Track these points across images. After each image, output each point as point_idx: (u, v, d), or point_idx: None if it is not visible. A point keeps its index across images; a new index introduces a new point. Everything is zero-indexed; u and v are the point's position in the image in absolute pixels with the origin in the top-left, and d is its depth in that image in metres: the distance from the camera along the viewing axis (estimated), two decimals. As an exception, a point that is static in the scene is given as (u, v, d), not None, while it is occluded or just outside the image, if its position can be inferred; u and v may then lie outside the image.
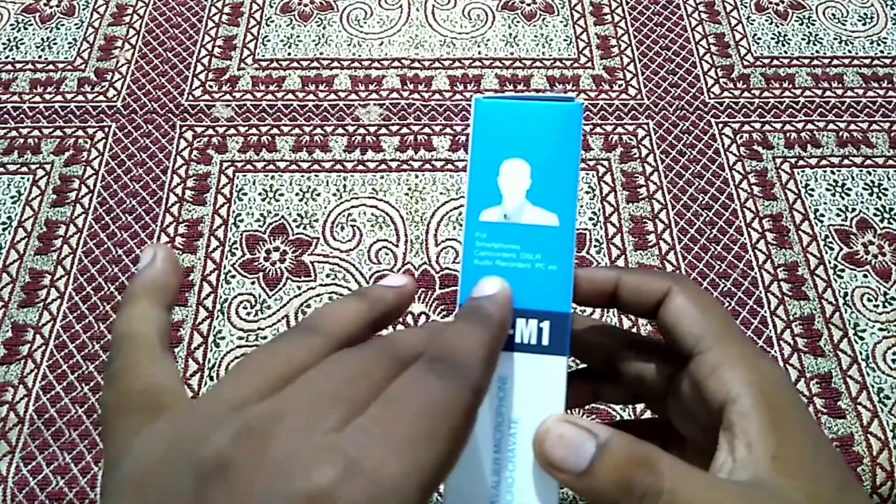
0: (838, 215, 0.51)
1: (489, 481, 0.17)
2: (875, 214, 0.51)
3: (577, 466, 0.15)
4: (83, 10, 0.62)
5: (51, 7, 0.62)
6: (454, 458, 0.14)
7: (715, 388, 0.17)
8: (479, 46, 0.60)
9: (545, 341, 0.17)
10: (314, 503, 0.12)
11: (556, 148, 0.19)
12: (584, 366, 0.23)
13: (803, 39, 0.61)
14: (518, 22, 0.62)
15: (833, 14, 0.63)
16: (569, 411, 0.18)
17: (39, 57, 0.59)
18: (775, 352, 0.45)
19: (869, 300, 0.47)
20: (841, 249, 0.49)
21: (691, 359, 0.19)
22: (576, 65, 0.59)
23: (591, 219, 0.50)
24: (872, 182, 0.53)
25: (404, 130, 0.54)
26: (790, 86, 0.58)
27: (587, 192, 0.52)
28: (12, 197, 0.51)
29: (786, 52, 0.60)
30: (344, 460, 0.12)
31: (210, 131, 0.54)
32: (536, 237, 0.18)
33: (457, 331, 0.16)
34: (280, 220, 0.50)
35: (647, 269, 0.20)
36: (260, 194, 0.51)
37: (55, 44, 0.60)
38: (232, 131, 0.54)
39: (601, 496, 0.15)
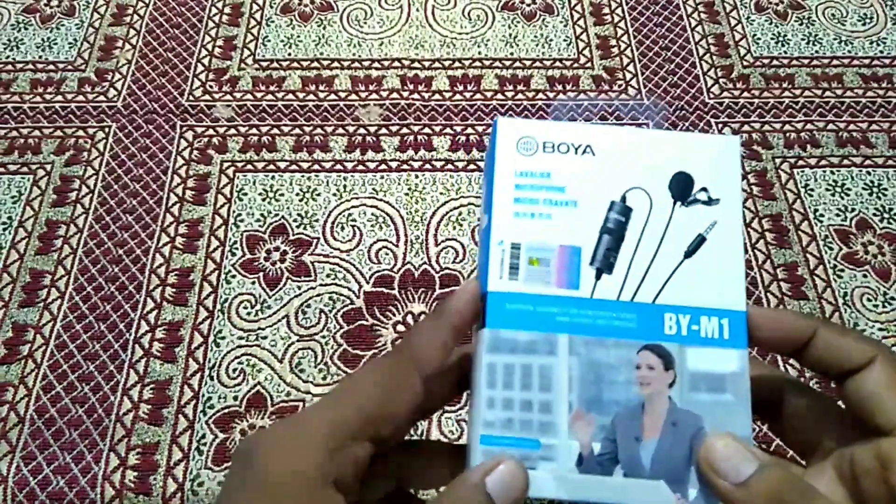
0: (838, 215, 0.51)
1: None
2: (875, 214, 0.51)
3: (735, 478, 0.17)
4: (83, 10, 0.62)
5: (51, 7, 0.62)
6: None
7: None
8: (479, 47, 0.60)
9: (480, 318, 0.21)
10: None
11: (489, 162, 0.21)
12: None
13: (803, 39, 0.61)
14: (518, 22, 0.62)
15: (833, 14, 0.63)
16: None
17: (40, 57, 0.59)
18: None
19: (868, 300, 0.47)
20: (840, 249, 0.49)
21: (885, 437, 0.18)
22: (576, 65, 0.59)
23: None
24: (872, 182, 0.53)
25: (404, 130, 0.55)
26: (790, 86, 0.58)
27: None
28: (13, 197, 0.51)
29: (785, 53, 0.60)
30: None
31: (210, 131, 0.55)
32: (482, 236, 0.21)
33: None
34: (280, 219, 0.50)
35: (848, 330, 0.20)
36: (260, 194, 0.51)
37: (55, 44, 0.60)
38: (232, 131, 0.55)
39: None
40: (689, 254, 0.20)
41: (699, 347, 0.19)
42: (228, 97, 0.56)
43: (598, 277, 0.20)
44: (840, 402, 0.20)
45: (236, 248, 0.49)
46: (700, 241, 0.20)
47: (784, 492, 0.17)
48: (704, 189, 0.21)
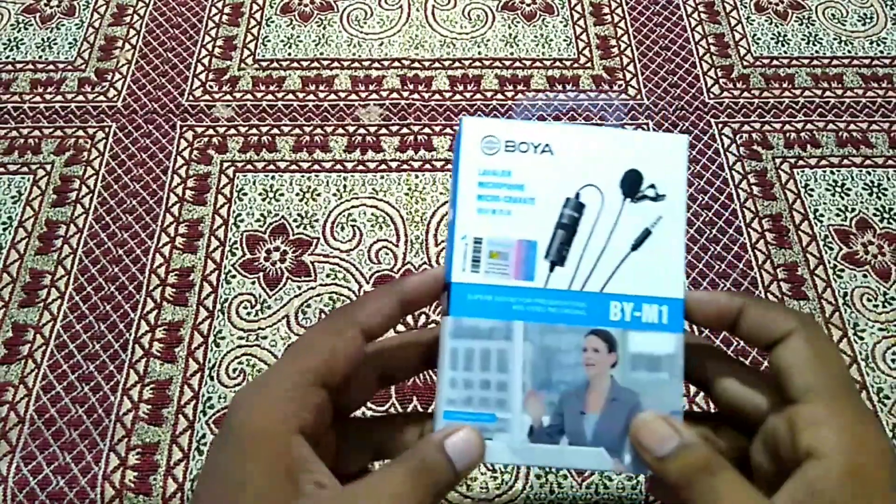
0: (838, 215, 0.51)
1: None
2: (875, 214, 0.51)
3: (657, 452, 0.19)
4: (83, 10, 0.62)
5: (51, 7, 0.62)
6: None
7: (808, 443, 0.18)
8: (479, 47, 0.60)
9: (444, 305, 0.22)
10: None
11: (455, 159, 0.23)
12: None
13: (803, 39, 0.61)
14: (518, 22, 0.62)
15: (833, 14, 0.63)
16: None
17: (40, 57, 0.59)
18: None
19: (868, 300, 0.47)
20: (840, 249, 0.49)
21: (795, 404, 0.19)
22: (576, 65, 0.59)
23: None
24: (872, 182, 0.53)
25: (404, 131, 0.55)
26: (790, 86, 0.58)
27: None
28: (13, 197, 0.51)
29: (785, 53, 0.60)
30: None
31: (210, 131, 0.55)
32: (449, 230, 0.23)
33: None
34: (280, 220, 0.50)
35: (773, 304, 0.22)
36: (260, 194, 0.51)
37: (55, 44, 0.60)
38: (232, 131, 0.55)
39: (670, 483, 0.19)
40: (635, 247, 0.22)
41: (640, 332, 0.22)
42: (228, 97, 0.56)
43: (551, 269, 0.22)
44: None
45: (236, 248, 0.49)
46: (646, 234, 0.22)
47: (695, 469, 0.18)
48: (652, 186, 0.22)
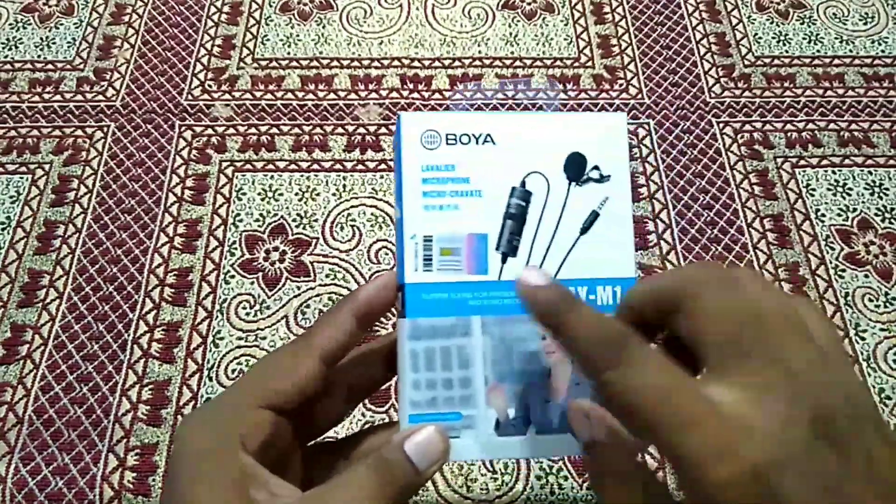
0: (839, 215, 0.51)
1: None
2: (876, 214, 0.51)
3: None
4: (82, 9, 0.62)
5: (50, 6, 0.62)
6: None
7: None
8: (479, 45, 0.60)
9: (399, 307, 0.22)
10: None
11: (397, 156, 0.22)
12: None
13: (804, 39, 0.61)
14: (518, 21, 0.62)
15: (834, 13, 0.63)
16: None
17: (38, 56, 0.59)
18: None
19: (870, 300, 0.47)
20: (842, 249, 0.49)
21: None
22: (576, 64, 0.59)
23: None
24: (874, 182, 0.52)
25: (404, 130, 0.54)
26: (791, 85, 0.58)
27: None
28: (11, 197, 0.51)
29: (787, 52, 0.60)
30: None
31: (209, 131, 0.54)
32: (397, 228, 0.22)
33: None
34: (279, 219, 0.50)
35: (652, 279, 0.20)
36: (259, 194, 0.51)
37: (54, 43, 0.60)
38: (231, 131, 0.54)
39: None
40: (584, 230, 0.22)
41: None
42: (227, 96, 0.56)
43: (503, 261, 0.22)
44: None
45: (235, 248, 0.48)
46: (594, 217, 0.22)
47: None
48: (596, 167, 0.22)
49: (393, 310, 0.22)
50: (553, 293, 0.18)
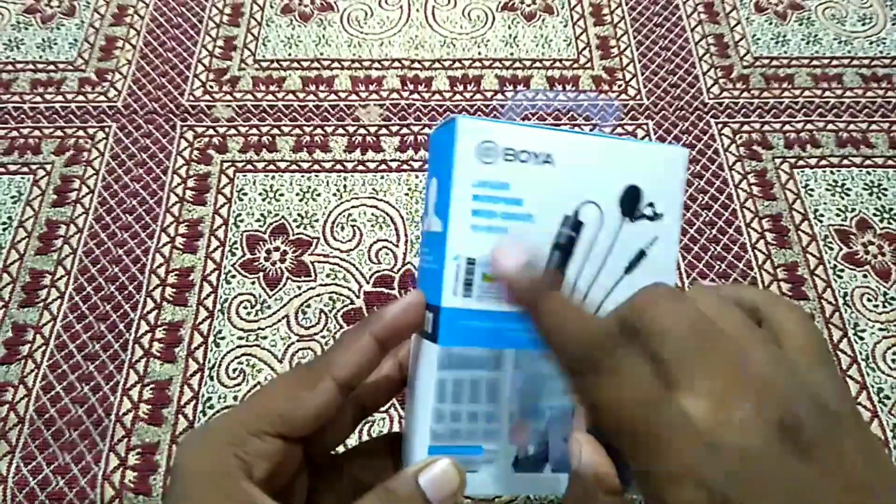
0: (838, 215, 0.51)
1: (404, 445, 0.22)
2: (875, 214, 0.51)
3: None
4: (84, 10, 0.62)
5: (52, 7, 0.62)
6: None
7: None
8: (479, 47, 0.60)
9: (429, 329, 0.20)
10: None
11: (444, 163, 0.21)
12: None
13: (803, 40, 0.61)
14: (518, 22, 0.62)
15: (832, 14, 0.63)
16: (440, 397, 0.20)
17: (40, 57, 0.59)
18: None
19: (869, 300, 0.47)
20: (841, 249, 0.49)
21: None
22: (575, 65, 0.59)
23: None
24: (872, 182, 0.53)
25: (404, 131, 0.55)
26: (790, 86, 0.58)
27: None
28: (13, 197, 0.51)
29: (785, 53, 0.60)
30: None
31: (210, 131, 0.55)
32: (433, 242, 0.21)
33: None
34: (280, 220, 0.50)
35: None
36: (260, 194, 0.51)
37: (56, 44, 0.60)
38: (232, 131, 0.55)
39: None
40: (629, 269, 0.21)
41: None
42: (228, 97, 0.56)
43: None
44: None
45: (236, 248, 0.49)
46: (640, 256, 0.21)
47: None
48: (651, 204, 0.21)
49: None
50: (524, 280, 0.17)
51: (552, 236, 0.20)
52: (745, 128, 0.56)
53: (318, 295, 0.47)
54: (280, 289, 0.47)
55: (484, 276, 0.20)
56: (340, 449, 0.24)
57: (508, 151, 0.20)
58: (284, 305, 0.46)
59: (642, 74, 0.58)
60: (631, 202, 0.21)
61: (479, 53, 0.60)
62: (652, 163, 0.21)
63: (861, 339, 0.45)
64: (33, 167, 0.52)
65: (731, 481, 0.14)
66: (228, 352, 0.44)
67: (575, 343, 0.16)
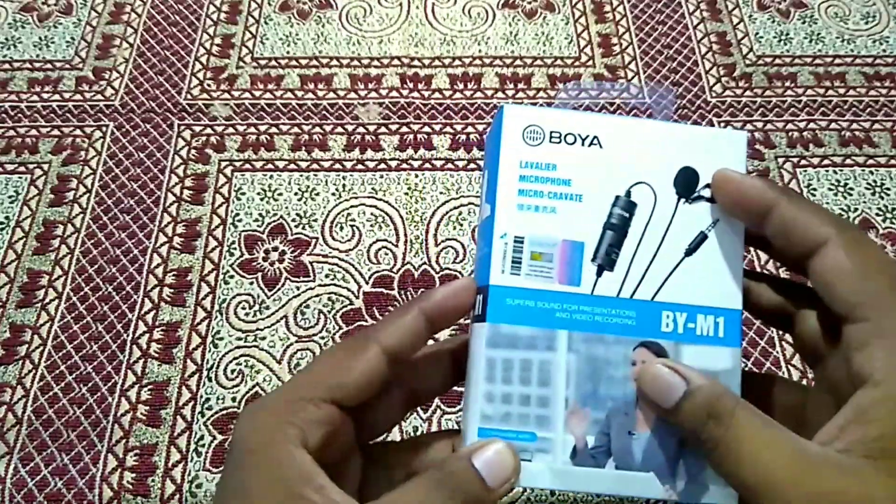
0: (841, 215, 0.51)
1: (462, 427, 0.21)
2: (878, 214, 0.51)
3: (666, 403, 0.18)
4: (81, 8, 0.62)
5: (48, 6, 0.62)
6: None
7: (859, 368, 0.16)
8: (479, 44, 0.60)
9: (479, 311, 0.20)
10: None
11: (493, 150, 0.21)
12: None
13: (805, 38, 0.61)
14: (519, 20, 0.61)
15: (835, 13, 0.62)
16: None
17: (37, 56, 0.59)
18: (777, 353, 0.45)
19: (871, 301, 0.47)
20: (843, 250, 0.49)
21: (844, 324, 0.17)
22: (577, 63, 0.59)
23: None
24: (875, 182, 0.52)
25: (404, 129, 0.54)
26: (792, 85, 0.58)
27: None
28: (10, 197, 0.51)
29: (788, 51, 0.60)
30: None
31: (208, 130, 0.54)
32: (484, 228, 0.21)
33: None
34: (279, 219, 0.50)
35: (810, 205, 0.18)
36: (258, 194, 0.51)
37: (53, 42, 0.60)
38: (230, 130, 0.54)
39: (686, 430, 0.18)
40: (689, 252, 0.20)
41: (694, 345, 0.20)
42: (226, 96, 0.56)
43: (599, 274, 0.20)
44: None
45: (234, 248, 0.48)
46: (701, 238, 0.20)
47: (711, 407, 0.17)
48: (709, 185, 0.20)
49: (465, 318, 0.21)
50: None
51: (604, 216, 0.20)
52: (748, 127, 0.55)
53: (316, 295, 0.46)
54: (279, 289, 0.46)
55: (532, 255, 0.20)
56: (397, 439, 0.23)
57: (554, 134, 0.20)
58: (283, 306, 0.46)
59: (644, 73, 0.58)
60: (687, 184, 0.20)
61: (480, 51, 0.59)
62: (708, 146, 0.21)
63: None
64: (30, 166, 0.52)
65: None
66: (227, 352, 0.44)
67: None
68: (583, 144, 0.20)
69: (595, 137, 0.20)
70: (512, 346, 0.19)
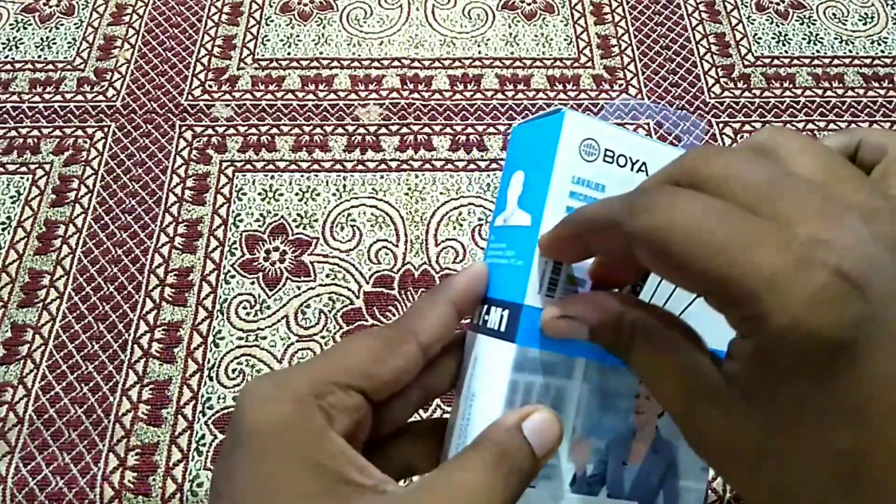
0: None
1: (453, 443, 0.20)
2: (876, 214, 0.51)
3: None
4: (83, 9, 0.62)
5: (50, 7, 0.62)
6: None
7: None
8: (479, 46, 0.60)
9: (502, 328, 0.19)
10: None
11: (541, 155, 0.20)
12: None
13: (804, 39, 0.61)
14: (518, 21, 0.62)
15: (834, 14, 0.63)
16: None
17: (39, 57, 0.59)
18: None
19: (869, 300, 0.47)
20: (841, 249, 0.49)
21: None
22: (576, 64, 0.59)
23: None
24: (873, 182, 0.53)
25: (404, 130, 0.54)
26: (791, 85, 0.58)
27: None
28: (11, 197, 0.51)
29: (786, 52, 0.60)
30: None
31: (209, 131, 0.54)
32: (516, 236, 0.20)
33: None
34: (280, 219, 0.50)
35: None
36: (259, 194, 0.51)
37: (55, 43, 0.60)
38: (231, 131, 0.54)
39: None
40: None
41: None
42: (228, 96, 0.56)
43: None
44: None
45: (235, 248, 0.48)
46: None
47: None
48: None
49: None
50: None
51: None
52: (747, 127, 0.55)
53: (317, 295, 0.46)
54: (279, 289, 0.47)
55: (568, 279, 0.19)
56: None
57: (608, 152, 0.20)
58: (284, 306, 0.46)
59: (643, 74, 0.58)
60: None
61: (480, 52, 0.59)
62: None
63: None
64: (32, 167, 0.52)
65: (855, 267, 0.12)
66: (228, 352, 0.44)
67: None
68: (632, 169, 0.20)
69: (644, 164, 0.20)
70: (535, 371, 0.19)
